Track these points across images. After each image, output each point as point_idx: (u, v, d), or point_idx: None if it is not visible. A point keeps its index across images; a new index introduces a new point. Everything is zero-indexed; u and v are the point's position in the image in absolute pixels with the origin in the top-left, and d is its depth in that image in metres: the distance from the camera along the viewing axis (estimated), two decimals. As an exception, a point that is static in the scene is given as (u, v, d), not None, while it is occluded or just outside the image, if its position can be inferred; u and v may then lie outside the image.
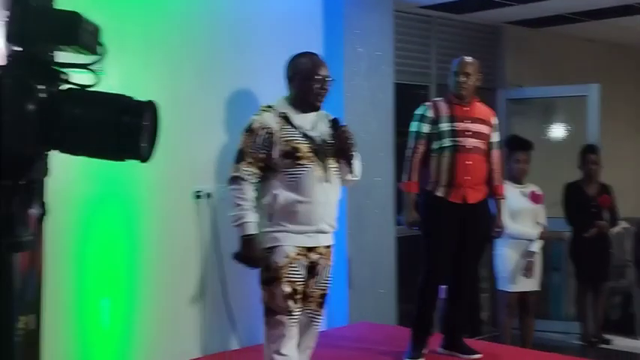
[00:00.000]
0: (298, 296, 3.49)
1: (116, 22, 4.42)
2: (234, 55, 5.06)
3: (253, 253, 3.46)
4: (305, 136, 3.55)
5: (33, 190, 1.35)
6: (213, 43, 5.01)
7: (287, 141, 3.51)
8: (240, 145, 3.54)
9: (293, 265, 3.48)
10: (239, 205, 3.47)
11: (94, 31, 1.38)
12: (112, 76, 4.39)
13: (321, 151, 3.56)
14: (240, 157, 3.52)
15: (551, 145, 7.44)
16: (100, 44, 1.40)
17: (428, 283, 4.53)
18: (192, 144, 4.86)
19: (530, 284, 5.78)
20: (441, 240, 4.49)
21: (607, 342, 6.63)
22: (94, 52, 1.39)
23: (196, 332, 4.89)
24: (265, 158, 3.49)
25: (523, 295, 5.82)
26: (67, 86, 1.37)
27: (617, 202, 6.65)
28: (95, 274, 4.40)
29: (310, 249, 3.54)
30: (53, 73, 1.36)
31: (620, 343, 6.67)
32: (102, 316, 4.41)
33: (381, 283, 5.83)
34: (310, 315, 3.63)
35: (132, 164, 1.44)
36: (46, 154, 1.38)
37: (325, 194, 3.55)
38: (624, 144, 8.54)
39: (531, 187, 5.87)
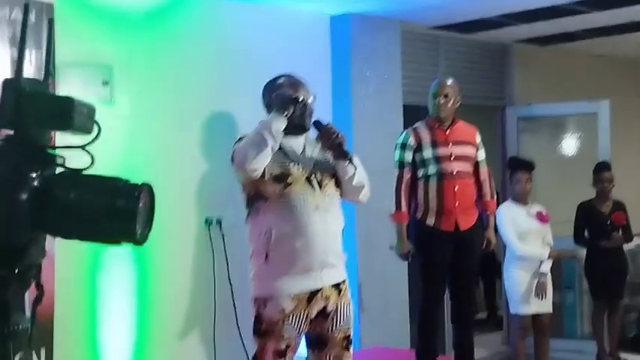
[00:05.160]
0: (290, 352, 3.25)
1: (124, 52, 4.46)
2: (242, 81, 5.06)
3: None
4: (296, 160, 3.30)
5: (29, 275, 1.35)
6: (221, 70, 5.03)
7: (278, 163, 3.24)
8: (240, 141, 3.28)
9: (288, 320, 3.20)
10: (255, 134, 3.18)
11: (89, 112, 1.38)
12: (121, 105, 4.44)
13: (315, 176, 3.28)
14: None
15: (563, 162, 7.40)
16: (95, 123, 1.40)
17: (426, 311, 4.52)
18: (201, 171, 4.87)
19: (543, 305, 5.72)
20: (435, 270, 4.46)
21: (623, 361, 6.57)
22: (88, 133, 1.39)
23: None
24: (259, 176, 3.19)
25: (537, 317, 5.76)
26: (60, 169, 1.37)
27: (630, 219, 6.60)
28: (106, 304, 4.40)
29: (312, 295, 3.21)
30: (47, 157, 1.36)
31: (637, 361, 6.61)
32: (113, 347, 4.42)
33: (393, 307, 5.80)
34: None
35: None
36: (42, 238, 1.39)
37: (324, 223, 3.22)
38: (635, 160, 8.48)
39: (536, 207, 5.81)
